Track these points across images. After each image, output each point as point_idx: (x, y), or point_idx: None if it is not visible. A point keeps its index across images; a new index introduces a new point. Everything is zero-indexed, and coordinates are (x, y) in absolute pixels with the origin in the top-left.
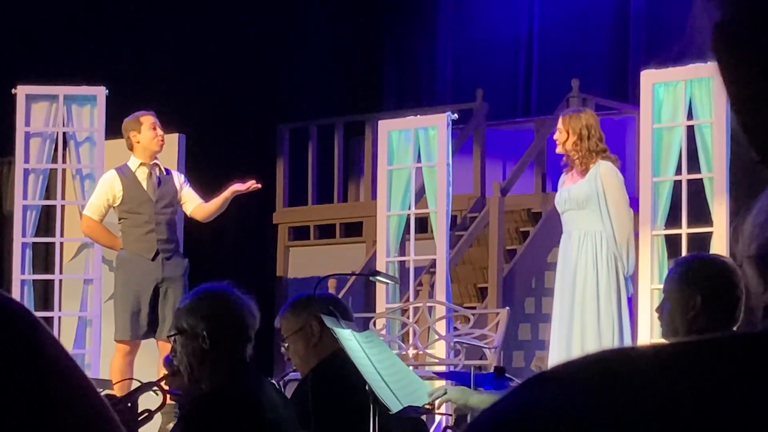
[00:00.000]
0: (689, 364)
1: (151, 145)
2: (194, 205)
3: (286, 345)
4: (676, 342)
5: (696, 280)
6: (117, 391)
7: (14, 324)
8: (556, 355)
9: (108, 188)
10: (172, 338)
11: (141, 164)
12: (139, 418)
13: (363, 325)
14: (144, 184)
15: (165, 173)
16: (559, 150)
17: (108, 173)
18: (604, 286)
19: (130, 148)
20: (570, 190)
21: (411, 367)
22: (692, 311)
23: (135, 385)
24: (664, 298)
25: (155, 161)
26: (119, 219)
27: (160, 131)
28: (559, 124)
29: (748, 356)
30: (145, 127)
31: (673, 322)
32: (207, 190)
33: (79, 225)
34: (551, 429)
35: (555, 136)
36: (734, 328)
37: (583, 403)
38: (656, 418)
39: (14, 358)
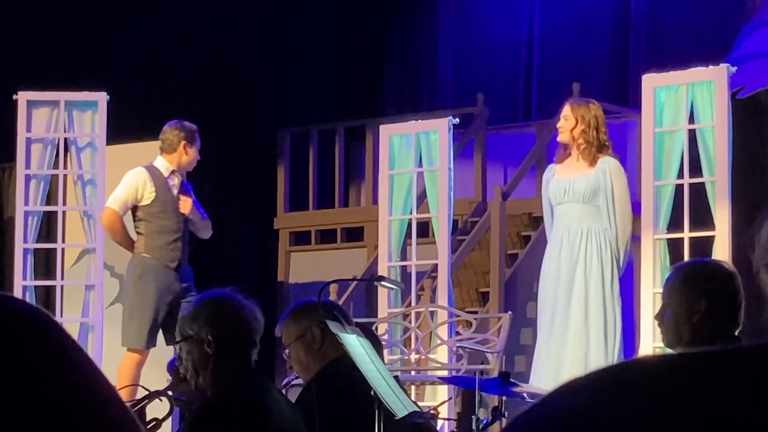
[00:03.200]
0: (713, 375)
1: (191, 164)
2: None
3: (288, 352)
4: (700, 352)
5: (700, 284)
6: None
7: (38, 328)
8: (552, 354)
9: (138, 185)
10: (178, 345)
11: (173, 171)
12: (148, 427)
13: None
14: (174, 192)
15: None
16: (563, 138)
17: (138, 170)
18: (609, 285)
19: (171, 151)
20: (573, 182)
21: (414, 372)
22: (697, 315)
23: (140, 391)
24: (664, 305)
25: (180, 173)
26: (140, 220)
27: (198, 155)
28: (566, 112)
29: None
30: (194, 149)
31: (677, 327)
32: (208, 196)
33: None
34: None
35: (559, 124)
36: (736, 332)
37: (611, 412)
38: (680, 428)
39: (39, 360)
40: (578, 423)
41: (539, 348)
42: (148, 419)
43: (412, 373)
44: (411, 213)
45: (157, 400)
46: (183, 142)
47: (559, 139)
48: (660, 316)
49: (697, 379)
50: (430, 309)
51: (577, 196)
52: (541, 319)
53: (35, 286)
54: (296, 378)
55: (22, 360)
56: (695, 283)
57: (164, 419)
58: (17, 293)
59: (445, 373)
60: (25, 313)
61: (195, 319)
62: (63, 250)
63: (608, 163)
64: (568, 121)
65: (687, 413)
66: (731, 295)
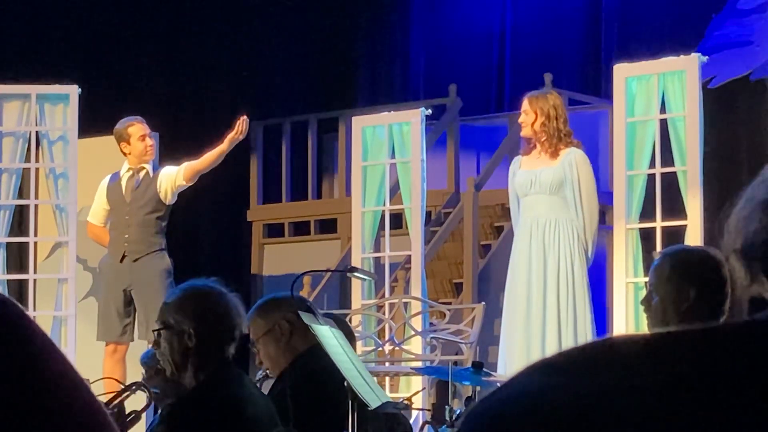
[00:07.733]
0: (681, 352)
1: (144, 155)
2: (182, 171)
3: (257, 348)
4: (668, 331)
5: (689, 272)
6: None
7: (4, 317)
8: (524, 345)
9: (100, 194)
10: (157, 332)
11: (129, 169)
12: (127, 420)
13: None
14: (123, 187)
15: (150, 175)
16: (525, 133)
17: (103, 179)
18: (578, 275)
19: (124, 154)
20: (539, 174)
21: (387, 363)
22: (685, 304)
23: (115, 385)
24: (650, 291)
25: (142, 165)
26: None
27: (149, 140)
28: (525, 106)
29: (737, 344)
30: (134, 139)
31: (665, 315)
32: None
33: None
34: (551, 414)
35: (520, 119)
36: (723, 321)
37: (583, 388)
38: (651, 404)
39: (5, 349)
40: (554, 398)
41: (508, 338)
42: (127, 412)
43: (386, 364)
44: (384, 204)
45: (136, 392)
46: (120, 145)
47: (522, 134)
48: (647, 302)
49: (672, 355)
50: (403, 300)
51: (543, 187)
52: (508, 311)
53: (8, 280)
54: (266, 372)
55: None
56: (684, 272)
57: (142, 411)
58: None
59: (419, 364)
60: None
61: (178, 310)
62: (35, 243)
63: (574, 154)
64: (528, 116)
65: (663, 387)
66: (719, 284)
